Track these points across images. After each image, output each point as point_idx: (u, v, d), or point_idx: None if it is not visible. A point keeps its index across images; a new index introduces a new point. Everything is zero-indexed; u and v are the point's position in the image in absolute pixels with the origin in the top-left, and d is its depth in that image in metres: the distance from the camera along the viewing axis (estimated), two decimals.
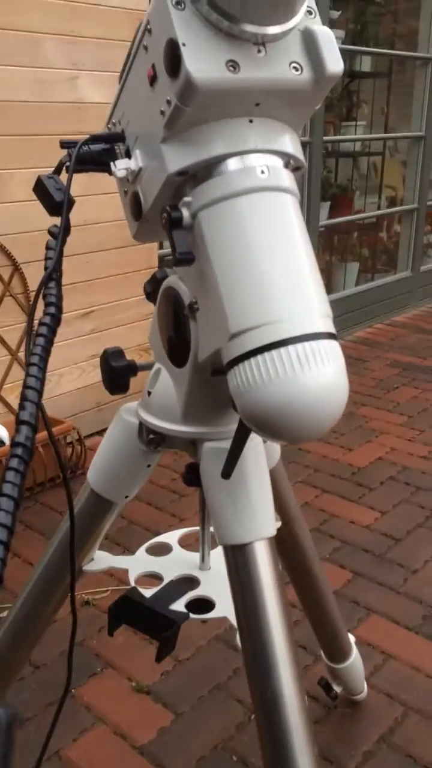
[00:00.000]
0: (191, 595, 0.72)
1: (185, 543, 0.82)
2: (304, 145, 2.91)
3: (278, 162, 0.56)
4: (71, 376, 2.29)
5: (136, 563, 0.75)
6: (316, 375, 0.52)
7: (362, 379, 2.88)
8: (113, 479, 0.72)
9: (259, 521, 0.62)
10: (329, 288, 3.61)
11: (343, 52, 0.63)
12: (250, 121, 0.55)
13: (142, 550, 0.77)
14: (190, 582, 0.74)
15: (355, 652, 1.16)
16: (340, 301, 3.38)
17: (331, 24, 3.18)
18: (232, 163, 0.55)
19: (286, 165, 0.57)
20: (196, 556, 0.78)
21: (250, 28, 0.51)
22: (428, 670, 1.33)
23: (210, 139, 0.54)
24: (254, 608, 0.61)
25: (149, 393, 0.69)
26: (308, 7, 0.55)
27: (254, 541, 0.62)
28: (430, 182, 3.88)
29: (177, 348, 0.64)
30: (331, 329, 0.55)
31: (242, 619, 0.62)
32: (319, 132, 2.95)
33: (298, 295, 0.53)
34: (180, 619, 0.66)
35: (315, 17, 0.56)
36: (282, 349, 0.52)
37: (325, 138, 3.13)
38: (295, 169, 0.60)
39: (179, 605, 0.69)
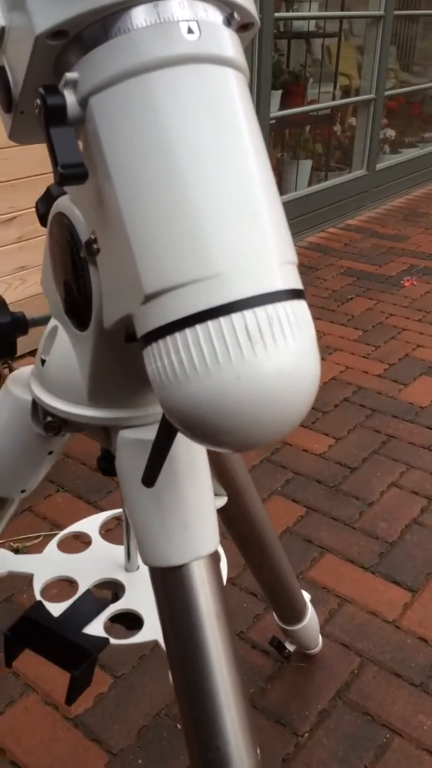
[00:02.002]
0: (114, 609, 0.57)
1: (110, 531, 0.66)
2: None
3: (215, 14, 0.36)
4: (11, 287, 2.04)
5: (44, 564, 0.59)
6: (274, 356, 0.34)
7: (315, 290, 2.71)
8: (3, 470, 0.54)
9: (195, 537, 0.46)
10: (279, 189, 3.36)
11: None
12: None
13: (52, 546, 0.61)
14: (113, 587, 0.58)
15: (310, 611, 1.06)
16: (292, 203, 3.14)
17: None
18: (139, 16, 0.34)
19: (229, 20, 0.37)
20: (121, 551, 0.62)
21: None
22: (385, 614, 1.25)
23: None
24: (190, 645, 0.46)
25: (43, 362, 0.50)
26: None
27: (190, 562, 0.46)
28: (388, 70, 3.58)
29: (76, 301, 0.45)
30: (296, 284, 0.37)
31: (174, 656, 0.47)
32: (269, 8, 2.60)
33: (246, 232, 0.35)
34: (96, 648, 0.51)
35: None
36: (222, 320, 0.34)
37: (277, 15, 2.79)
38: (243, 27, 0.39)
39: (97, 626, 0.54)
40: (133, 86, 0.34)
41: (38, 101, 0.35)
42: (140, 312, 0.36)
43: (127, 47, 0.34)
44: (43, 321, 0.51)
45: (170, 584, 0.46)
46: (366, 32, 3.43)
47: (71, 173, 0.35)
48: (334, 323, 2.43)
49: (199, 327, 0.34)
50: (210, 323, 0.34)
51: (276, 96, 3.12)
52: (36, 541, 1.40)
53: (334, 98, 3.67)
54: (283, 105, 3.24)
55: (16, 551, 1.37)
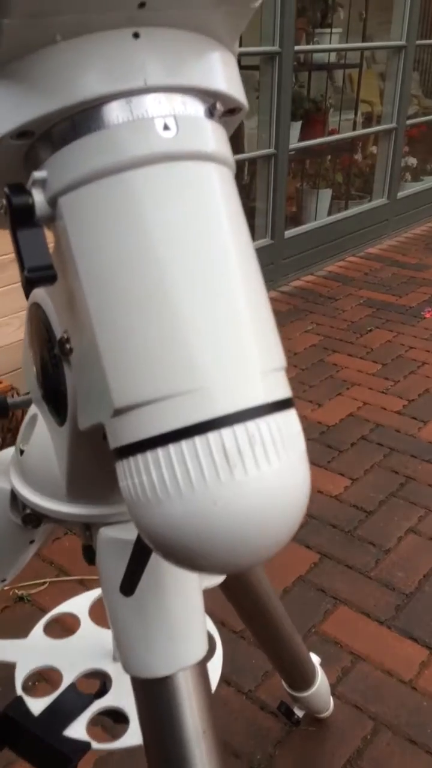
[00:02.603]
0: (99, 705, 0.53)
1: (100, 612, 0.63)
2: (271, 56, 2.58)
3: (195, 107, 0.34)
4: (11, 327, 2.04)
5: (28, 652, 0.56)
6: (255, 479, 0.31)
7: (334, 321, 2.67)
8: None
9: (181, 645, 0.43)
10: (299, 219, 3.34)
11: None
12: (135, 36, 0.32)
13: (38, 630, 0.58)
14: (100, 677, 0.55)
15: (320, 676, 1.01)
16: (311, 233, 3.12)
17: None
18: (111, 112, 0.32)
19: (211, 110, 0.34)
20: (109, 636, 0.59)
21: None
22: (400, 673, 1.20)
23: (63, 72, 0.31)
24: (174, 763, 0.43)
25: (21, 451, 0.47)
26: None
27: (176, 672, 0.43)
28: (411, 96, 3.56)
29: (53, 392, 0.42)
30: (281, 393, 0.34)
31: None
32: (289, 41, 2.61)
33: (224, 343, 0.32)
34: (76, 754, 0.47)
35: None
36: (197, 439, 0.31)
37: (297, 48, 2.79)
38: (229, 112, 0.37)
39: (79, 726, 0.51)
40: (104, 187, 0.32)
41: (4, 201, 0.33)
42: (110, 424, 0.33)
43: (97, 146, 0.32)
44: (25, 404, 0.49)
45: (152, 696, 0.43)
46: (388, 61, 3.42)
47: (38, 276, 0.33)
48: (352, 356, 2.39)
49: (171, 446, 0.31)
50: (184, 443, 0.31)
51: (296, 127, 3.12)
52: (41, 587, 1.37)
53: (355, 125, 3.65)
54: (304, 135, 3.23)
55: (21, 599, 1.35)
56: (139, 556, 0.38)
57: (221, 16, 0.33)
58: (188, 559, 0.32)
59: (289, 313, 2.73)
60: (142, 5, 0.30)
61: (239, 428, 0.31)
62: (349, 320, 2.69)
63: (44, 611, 1.32)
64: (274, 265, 2.94)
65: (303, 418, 2.00)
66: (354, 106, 3.67)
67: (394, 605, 1.34)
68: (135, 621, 0.42)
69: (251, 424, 0.31)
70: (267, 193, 2.84)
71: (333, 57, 3.52)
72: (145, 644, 0.42)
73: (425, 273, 3.19)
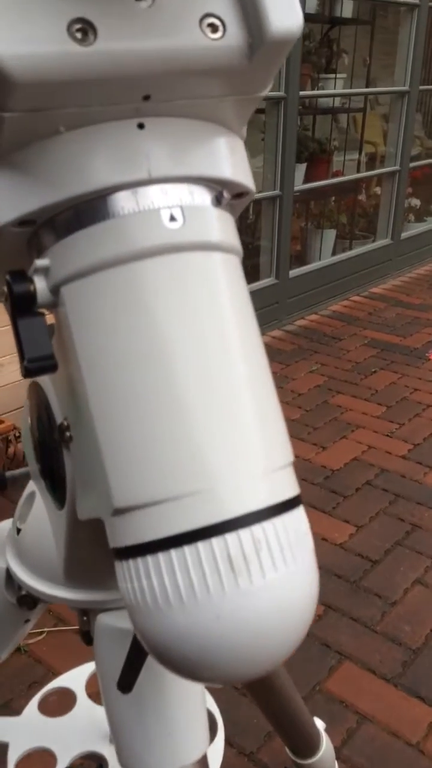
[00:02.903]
0: None
1: (97, 687, 0.60)
2: (277, 101, 2.62)
3: (202, 196, 0.33)
4: (13, 366, 2.03)
5: (22, 731, 0.54)
6: (261, 588, 0.29)
7: (338, 362, 2.67)
8: None
9: (181, 744, 0.41)
10: (303, 258, 3.36)
11: None
12: (140, 127, 0.31)
13: (32, 707, 0.55)
14: (96, 760, 0.52)
15: (325, 742, 0.97)
16: (315, 272, 3.13)
17: None
18: (116, 203, 0.31)
19: (218, 198, 0.34)
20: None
21: None
22: (407, 735, 1.16)
23: (67, 163, 0.30)
24: None
25: (18, 530, 0.46)
26: None
27: None
28: (414, 137, 3.61)
29: (51, 471, 0.41)
30: (288, 492, 0.32)
31: None
32: (294, 86, 2.65)
33: (228, 443, 0.31)
34: None
35: None
36: (201, 545, 0.29)
37: (302, 93, 2.83)
38: (237, 196, 0.36)
39: None
40: (108, 278, 0.31)
41: (5, 288, 0.32)
42: (110, 522, 0.32)
43: (103, 237, 0.31)
44: (24, 478, 0.47)
45: None
46: (391, 104, 3.48)
47: (38, 367, 0.32)
48: (357, 398, 2.38)
49: (174, 552, 0.29)
50: (187, 549, 0.29)
51: (301, 169, 3.15)
52: (39, 637, 1.34)
53: (359, 166, 3.69)
54: (309, 176, 3.27)
55: (18, 649, 1.31)
56: (137, 655, 0.36)
57: (229, 105, 0.33)
58: (188, 669, 0.30)
59: (293, 353, 2.72)
60: (147, 98, 0.30)
61: (244, 533, 0.30)
62: (353, 361, 2.68)
63: (41, 662, 1.29)
64: (278, 304, 2.95)
65: (307, 462, 1.99)
66: (358, 147, 3.72)
67: (400, 661, 1.30)
68: (132, 717, 0.40)
69: (257, 528, 0.30)
70: (272, 232, 2.86)
71: (337, 101, 3.58)
72: (142, 741, 0.40)
73: (429, 313, 3.19)
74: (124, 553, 0.31)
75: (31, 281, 0.32)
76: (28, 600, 0.46)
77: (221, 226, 0.33)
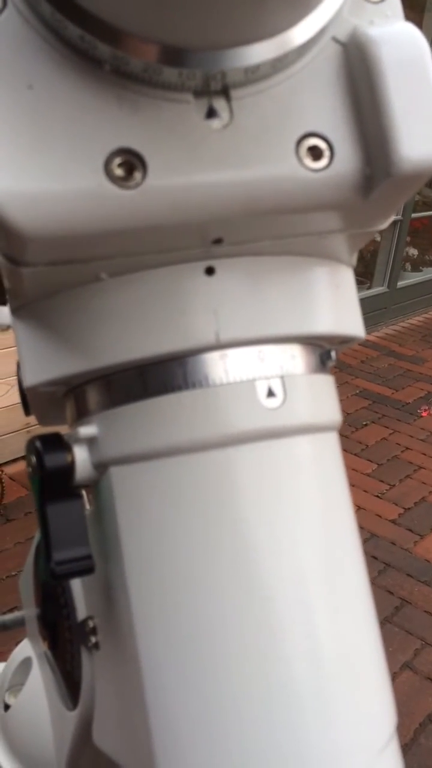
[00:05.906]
0: None
1: None
2: None
3: (307, 358, 0.25)
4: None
5: None
6: None
7: None
8: None
9: None
10: None
11: None
12: (209, 272, 0.23)
13: None
14: None
15: None
16: None
17: None
18: (197, 369, 0.23)
19: (323, 359, 0.26)
20: None
21: (201, 60, 0.18)
22: None
23: (110, 320, 0.22)
24: None
25: (7, 706, 0.37)
26: None
27: None
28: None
29: (64, 675, 0.32)
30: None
31: None
32: None
33: (339, 721, 0.22)
34: None
35: (385, 16, 0.21)
36: None
37: None
38: (342, 342, 0.28)
39: None
40: (179, 467, 0.23)
41: (32, 458, 0.24)
42: None
43: (176, 414, 0.23)
44: (16, 624, 0.38)
45: None
46: None
47: (69, 570, 0.23)
48: (347, 452, 2.31)
49: None
50: None
51: None
52: None
53: None
54: None
55: None
56: None
57: (334, 240, 0.25)
58: None
59: None
60: (218, 241, 0.22)
61: None
62: (344, 411, 2.61)
63: None
64: None
65: None
66: None
67: None
68: None
69: None
70: None
71: None
72: None
73: (421, 367, 3.15)
74: None
75: (69, 449, 0.24)
76: None
77: (329, 398, 0.25)
